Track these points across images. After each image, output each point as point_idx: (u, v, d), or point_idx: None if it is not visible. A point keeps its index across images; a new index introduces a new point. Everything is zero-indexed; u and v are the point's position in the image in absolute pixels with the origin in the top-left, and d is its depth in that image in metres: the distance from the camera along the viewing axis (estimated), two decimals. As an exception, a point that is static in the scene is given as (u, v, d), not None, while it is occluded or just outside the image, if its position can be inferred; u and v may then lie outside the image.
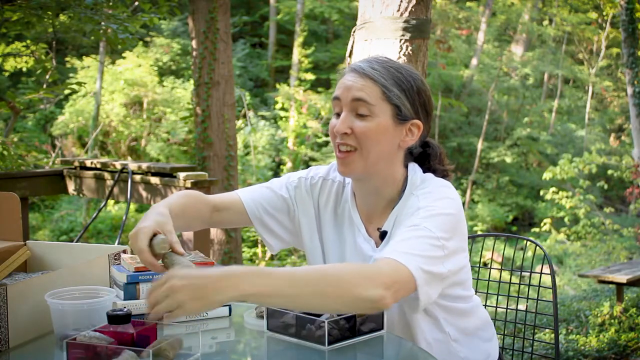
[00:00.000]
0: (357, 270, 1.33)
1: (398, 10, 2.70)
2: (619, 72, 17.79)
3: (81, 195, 4.06)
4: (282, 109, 14.49)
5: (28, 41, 7.45)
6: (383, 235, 1.57)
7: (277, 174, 14.34)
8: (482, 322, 1.70)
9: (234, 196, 1.71)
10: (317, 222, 1.71)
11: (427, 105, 1.58)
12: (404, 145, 1.56)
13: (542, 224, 11.98)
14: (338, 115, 1.56)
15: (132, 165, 3.63)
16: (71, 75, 13.52)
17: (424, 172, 1.62)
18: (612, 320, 5.26)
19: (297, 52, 15.18)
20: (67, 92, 12.73)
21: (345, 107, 1.52)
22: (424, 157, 1.66)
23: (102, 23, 3.96)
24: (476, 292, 2.03)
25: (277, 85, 14.86)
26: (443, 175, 1.63)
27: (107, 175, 3.78)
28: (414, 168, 1.62)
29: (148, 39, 14.91)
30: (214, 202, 1.68)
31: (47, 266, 1.80)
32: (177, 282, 1.19)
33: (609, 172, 11.80)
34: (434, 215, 1.44)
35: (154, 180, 3.48)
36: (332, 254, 1.68)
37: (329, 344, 1.39)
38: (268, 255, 9.94)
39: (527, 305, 2.29)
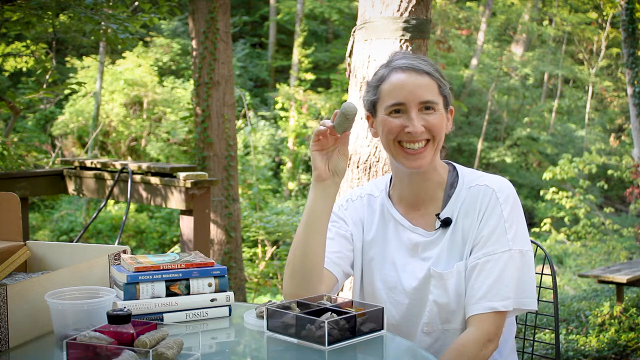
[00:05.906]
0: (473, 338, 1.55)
1: (398, 10, 2.70)
2: (619, 72, 17.79)
3: (81, 195, 4.06)
4: (282, 109, 14.49)
5: (28, 41, 7.44)
6: (446, 222, 1.64)
7: (277, 173, 14.34)
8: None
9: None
10: (362, 235, 1.78)
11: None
12: (447, 130, 1.69)
13: (542, 224, 11.97)
14: (396, 112, 1.62)
15: (132, 165, 3.63)
16: (71, 75, 13.51)
17: None
18: (612, 320, 5.25)
19: (297, 52, 15.17)
20: (67, 92, 12.72)
21: (414, 108, 1.61)
22: None
23: (102, 23, 3.95)
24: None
25: (277, 85, 14.86)
26: (445, 155, 1.82)
27: (107, 175, 3.78)
28: (451, 162, 1.76)
29: (148, 39, 14.91)
30: None
31: (47, 266, 1.80)
32: None
33: (609, 172, 11.79)
34: (519, 232, 1.59)
35: (154, 180, 3.47)
36: (376, 253, 1.74)
37: (329, 344, 1.39)
38: (268, 255, 9.94)
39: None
